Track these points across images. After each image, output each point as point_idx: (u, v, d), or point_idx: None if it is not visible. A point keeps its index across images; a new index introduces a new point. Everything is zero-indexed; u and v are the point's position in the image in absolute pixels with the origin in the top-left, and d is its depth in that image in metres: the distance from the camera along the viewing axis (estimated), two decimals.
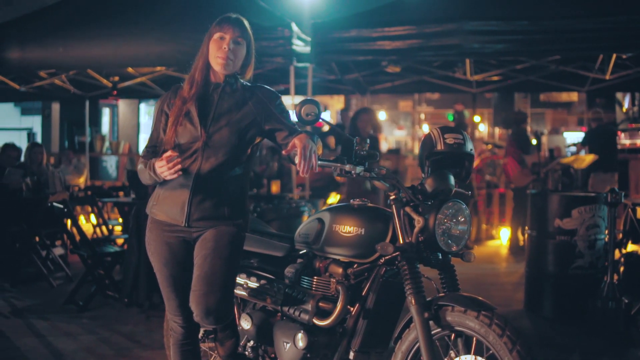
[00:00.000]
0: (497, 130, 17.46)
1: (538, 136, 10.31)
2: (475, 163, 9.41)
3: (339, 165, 2.82)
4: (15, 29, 7.96)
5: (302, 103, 2.81)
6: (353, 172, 2.82)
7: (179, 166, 2.76)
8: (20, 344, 4.70)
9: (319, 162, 2.78)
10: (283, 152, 2.81)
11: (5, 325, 5.22)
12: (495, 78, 10.25)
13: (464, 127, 9.42)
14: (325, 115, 20.31)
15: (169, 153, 2.77)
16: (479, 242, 9.89)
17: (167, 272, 2.99)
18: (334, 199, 8.90)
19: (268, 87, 3.09)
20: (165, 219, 2.96)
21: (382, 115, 19.61)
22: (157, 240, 3.00)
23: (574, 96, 15.09)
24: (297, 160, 2.66)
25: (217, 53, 2.91)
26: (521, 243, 8.78)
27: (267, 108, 2.98)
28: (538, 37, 6.51)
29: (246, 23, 2.99)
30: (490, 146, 11.44)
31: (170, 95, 3.02)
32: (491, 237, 10.29)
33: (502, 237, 9.74)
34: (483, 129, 19.12)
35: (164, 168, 2.75)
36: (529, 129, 9.70)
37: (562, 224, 5.41)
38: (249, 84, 3.07)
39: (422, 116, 20.27)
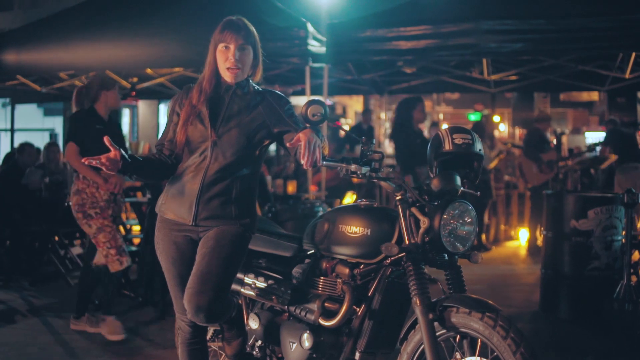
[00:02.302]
0: (517, 131, 17.33)
1: (558, 136, 10.22)
2: (494, 163, 9.39)
3: (344, 165, 2.82)
4: (36, 31, 8.07)
5: (309, 104, 2.81)
6: (359, 172, 2.82)
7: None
8: (36, 342, 4.76)
9: (325, 162, 2.79)
10: (287, 144, 2.82)
11: (22, 323, 5.30)
12: (513, 78, 10.16)
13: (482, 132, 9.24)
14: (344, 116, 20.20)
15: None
16: (498, 243, 9.82)
17: (175, 271, 3.02)
18: (350, 198, 8.90)
19: (278, 92, 3.12)
20: (174, 217, 2.99)
21: None
22: (165, 239, 3.04)
23: (594, 95, 14.89)
24: (300, 152, 2.66)
25: (225, 64, 2.93)
26: (539, 243, 8.70)
27: (277, 112, 3.00)
28: (555, 36, 6.43)
29: (249, 25, 3.00)
30: (509, 145, 11.34)
31: (182, 96, 3.06)
32: (510, 238, 10.21)
33: (521, 237, 9.66)
34: (503, 128, 18.98)
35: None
36: (549, 129, 9.54)
37: (578, 225, 5.35)
38: (260, 88, 3.09)
39: (441, 116, 20.14)
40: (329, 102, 12.52)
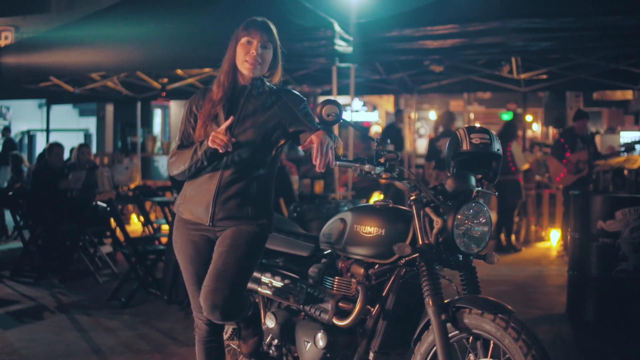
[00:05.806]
0: (550, 130, 17.07)
1: (591, 135, 10.04)
2: (526, 166, 9.25)
3: (358, 165, 2.82)
4: (68, 32, 8.22)
5: (323, 103, 2.81)
6: (373, 172, 2.81)
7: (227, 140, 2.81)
8: (63, 338, 4.85)
9: (339, 162, 2.79)
10: (300, 146, 2.84)
11: (50, 319, 5.40)
12: (544, 76, 10.02)
13: (512, 134, 9.12)
14: (374, 115, 20.16)
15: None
16: (528, 244, 9.71)
17: (192, 270, 3.06)
18: (377, 198, 8.87)
19: (293, 91, 3.13)
20: (191, 217, 3.02)
21: (432, 115, 19.43)
22: (183, 239, 3.07)
23: (628, 94, 14.57)
24: (313, 155, 2.66)
25: (245, 57, 2.95)
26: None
27: (292, 111, 3.00)
28: (584, 34, 6.31)
29: (272, 27, 3.02)
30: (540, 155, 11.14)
31: (199, 97, 3.08)
32: (540, 239, 10.08)
33: (552, 238, 9.53)
34: (536, 128, 18.70)
35: (218, 138, 2.79)
36: (586, 127, 9.29)
37: (605, 225, 5.26)
38: (275, 87, 3.10)
39: (472, 116, 19.90)
40: (357, 102, 12.51)
